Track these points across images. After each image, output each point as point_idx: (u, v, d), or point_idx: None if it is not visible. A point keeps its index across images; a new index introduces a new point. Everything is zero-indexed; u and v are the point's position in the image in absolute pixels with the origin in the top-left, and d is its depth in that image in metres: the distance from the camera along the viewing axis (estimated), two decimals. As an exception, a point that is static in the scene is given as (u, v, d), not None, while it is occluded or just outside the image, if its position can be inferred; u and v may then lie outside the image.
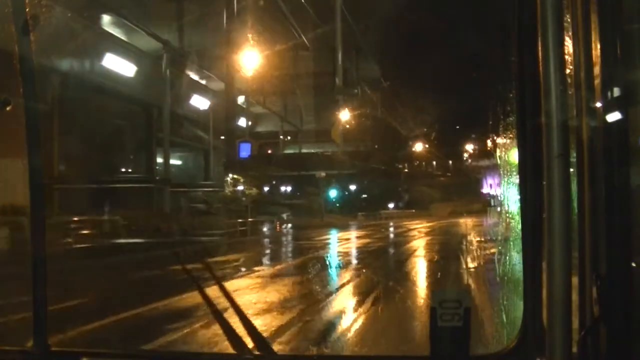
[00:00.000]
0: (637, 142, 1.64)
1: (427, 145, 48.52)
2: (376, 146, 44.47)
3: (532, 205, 1.74)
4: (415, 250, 19.57)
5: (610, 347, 1.51)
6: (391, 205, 46.66)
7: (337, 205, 41.22)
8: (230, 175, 31.21)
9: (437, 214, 41.79)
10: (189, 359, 2.90)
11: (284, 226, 32.95)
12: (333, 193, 42.70)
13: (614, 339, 1.51)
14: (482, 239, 19.20)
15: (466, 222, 33.86)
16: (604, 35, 1.55)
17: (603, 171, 1.54)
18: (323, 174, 38.95)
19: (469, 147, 52.27)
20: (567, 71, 1.59)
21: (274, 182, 42.44)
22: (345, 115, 36.53)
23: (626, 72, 1.59)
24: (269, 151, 42.58)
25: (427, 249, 20.45)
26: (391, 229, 33.39)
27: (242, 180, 31.19)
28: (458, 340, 1.83)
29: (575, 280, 1.57)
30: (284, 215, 35.66)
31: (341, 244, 23.97)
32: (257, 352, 2.24)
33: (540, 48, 1.56)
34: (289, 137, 43.05)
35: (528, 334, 1.78)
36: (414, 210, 44.72)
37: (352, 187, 46.07)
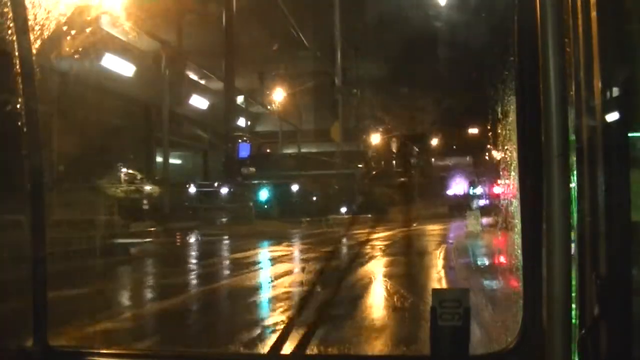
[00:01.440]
0: (636, 141, 1.64)
1: (385, 139, 42.89)
2: (335, 149, 40.23)
3: (532, 205, 1.74)
4: (364, 297, 10.47)
5: (610, 347, 1.52)
6: (344, 210, 39.58)
7: (281, 209, 35.39)
8: (124, 170, 24.52)
9: (398, 219, 33.78)
10: (189, 358, 2.90)
11: (184, 238, 23.58)
12: (264, 194, 36.10)
13: (614, 339, 1.51)
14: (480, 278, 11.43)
15: (435, 232, 27.81)
16: (604, 35, 1.55)
17: (603, 171, 1.54)
18: (252, 169, 33.76)
19: (435, 142, 46.45)
20: (567, 71, 1.59)
21: (212, 183, 36.31)
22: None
23: (626, 72, 1.60)
24: (268, 150, 42.48)
25: (387, 292, 11.19)
26: (337, 243, 23.68)
27: (139, 176, 25.03)
28: (458, 340, 1.83)
29: (575, 280, 1.57)
30: (220, 221, 29.17)
31: (237, 276, 13.75)
32: (257, 351, 2.24)
33: (540, 48, 1.56)
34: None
35: (528, 334, 1.78)
36: (370, 215, 40.15)
37: (300, 188, 40.13)
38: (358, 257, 16.91)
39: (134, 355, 2.67)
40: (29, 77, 2.31)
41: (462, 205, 37.70)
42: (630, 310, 1.51)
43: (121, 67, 26.69)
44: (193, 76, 33.40)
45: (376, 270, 14.26)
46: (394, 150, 43.29)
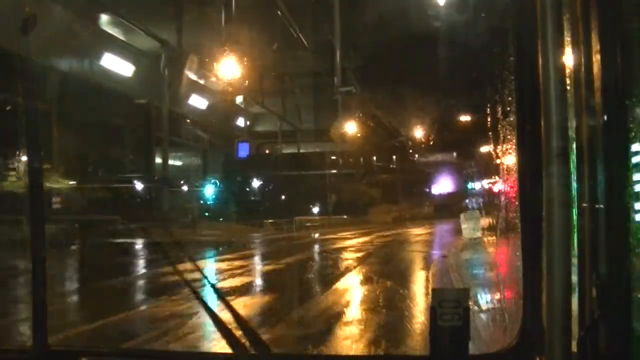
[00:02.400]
0: (636, 141, 1.64)
1: (361, 130, 37.46)
2: (309, 149, 37.24)
3: (532, 205, 1.74)
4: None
5: (609, 347, 1.52)
6: (316, 210, 35.87)
7: (245, 210, 31.45)
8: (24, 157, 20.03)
9: (377, 220, 32.01)
10: (189, 358, 2.90)
11: (72, 248, 17.30)
12: (209, 191, 31.56)
13: (613, 338, 1.52)
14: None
15: (422, 239, 22.30)
16: (604, 34, 1.55)
17: (602, 171, 1.54)
18: (197, 161, 29.02)
19: (419, 134, 40.50)
20: (567, 71, 1.59)
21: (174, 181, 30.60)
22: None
23: (626, 71, 1.59)
24: (267, 151, 42.43)
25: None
26: (287, 255, 17.06)
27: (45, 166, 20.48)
28: (457, 340, 1.83)
29: (574, 280, 1.58)
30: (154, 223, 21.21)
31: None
32: (256, 351, 2.24)
33: (539, 47, 1.56)
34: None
35: (527, 334, 1.78)
36: (345, 216, 34.26)
37: (273, 188, 36.36)
38: (305, 287, 11.04)
39: (133, 355, 2.67)
40: (29, 77, 2.31)
41: (449, 205, 35.38)
42: (630, 310, 1.52)
43: (120, 66, 26.74)
44: (192, 76, 33.42)
45: (324, 322, 8.31)
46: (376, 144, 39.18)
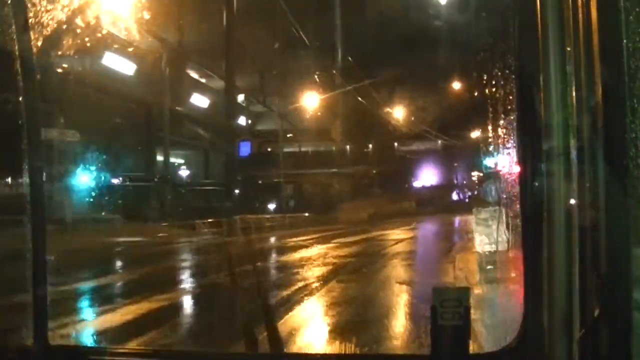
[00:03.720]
0: (637, 141, 1.64)
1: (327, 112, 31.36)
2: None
3: (533, 205, 1.74)
4: None
5: (610, 347, 1.52)
6: (273, 206, 31.36)
7: (184, 208, 26.70)
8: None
9: (348, 219, 25.56)
10: (190, 358, 2.90)
11: None
12: (84, 179, 22.80)
13: (614, 339, 1.51)
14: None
15: (403, 249, 15.39)
16: (604, 34, 1.55)
17: (603, 171, 1.54)
18: (75, 136, 21.16)
19: (399, 114, 34.21)
20: (567, 70, 1.59)
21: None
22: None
23: (627, 71, 1.59)
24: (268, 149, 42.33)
25: None
26: (187, 284, 11.80)
27: None
28: (458, 339, 1.83)
29: (575, 280, 1.58)
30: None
31: None
32: (257, 351, 2.24)
33: (540, 47, 1.56)
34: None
35: (528, 333, 1.78)
36: (307, 214, 28.77)
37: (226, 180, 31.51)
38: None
39: (134, 354, 2.67)
40: (30, 76, 2.31)
41: (433, 200, 32.41)
42: (631, 310, 1.51)
43: (122, 65, 26.74)
44: (194, 75, 33.40)
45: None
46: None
